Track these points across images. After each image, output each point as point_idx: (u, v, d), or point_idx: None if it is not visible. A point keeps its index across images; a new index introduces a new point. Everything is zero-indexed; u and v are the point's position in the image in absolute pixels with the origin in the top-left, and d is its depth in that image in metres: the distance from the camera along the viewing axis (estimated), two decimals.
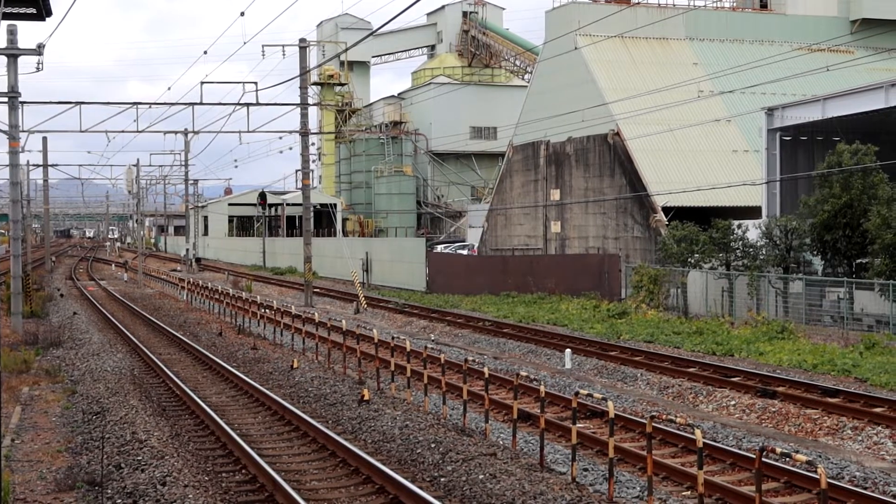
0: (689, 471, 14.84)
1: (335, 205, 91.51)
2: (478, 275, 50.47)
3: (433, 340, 33.14)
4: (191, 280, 55.03)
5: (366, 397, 20.57)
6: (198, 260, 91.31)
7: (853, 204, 34.18)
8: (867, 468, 15.81)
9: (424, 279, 53.23)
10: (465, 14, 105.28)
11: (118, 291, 57.74)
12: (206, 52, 51.43)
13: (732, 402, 21.55)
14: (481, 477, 14.32)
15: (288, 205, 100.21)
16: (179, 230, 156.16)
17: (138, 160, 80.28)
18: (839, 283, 33.35)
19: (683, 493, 14.48)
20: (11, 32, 32.74)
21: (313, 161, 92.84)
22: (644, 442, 14.75)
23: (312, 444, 17.13)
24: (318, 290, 53.92)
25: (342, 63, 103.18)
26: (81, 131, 43.16)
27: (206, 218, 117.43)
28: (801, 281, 34.75)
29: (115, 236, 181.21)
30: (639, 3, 60.04)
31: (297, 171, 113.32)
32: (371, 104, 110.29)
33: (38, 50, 32.05)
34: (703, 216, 44.61)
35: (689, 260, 39.22)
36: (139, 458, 15.44)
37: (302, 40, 49.50)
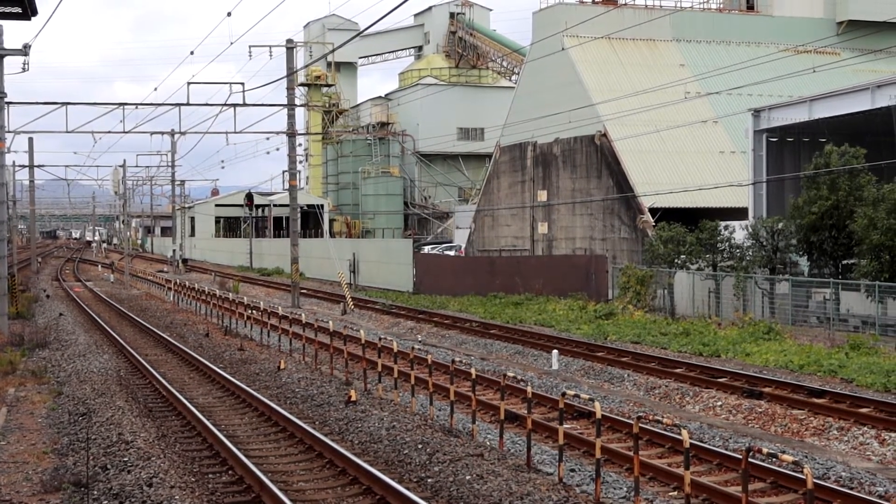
0: (676, 471, 14.86)
1: (322, 206, 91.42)
2: (465, 276, 50.47)
3: (420, 341, 33.12)
4: (177, 281, 54.86)
5: (353, 398, 20.54)
6: (184, 261, 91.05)
7: (840, 205, 34.27)
8: (853, 468, 15.86)
9: (412, 280, 53.21)
10: (452, 15, 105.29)
11: (104, 292, 57.52)
12: (192, 53, 51.35)
13: (719, 403, 21.60)
14: (468, 477, 14.31)
15: (275, 206, 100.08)
16: (166, 231, 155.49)
17: (125, 161, 80.00)
18: (825, 284, 33.44)
19: (670, 494, 14.51)
20: None
21: (300, 162, 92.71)
22: (631, 442, 14.77)
23: (299, 445, 17.09)
24: (305, 291, 53.85)
25: (329, 64, 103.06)
26: (68, 132, 43.13)
27: (192, 219, 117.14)
28: (788, 282, 34.86)
29: (98, 238, 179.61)
30: (626, 5, 60.16)
31: (283, 171, 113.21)
32: (358, 105, 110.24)
33: (24, 50, 31.90)
34: (689, 217, 44.71)
35: (676, 261, 39.29)
36: (125, 459, 15.38)
37: (289, 41, 49.42)
